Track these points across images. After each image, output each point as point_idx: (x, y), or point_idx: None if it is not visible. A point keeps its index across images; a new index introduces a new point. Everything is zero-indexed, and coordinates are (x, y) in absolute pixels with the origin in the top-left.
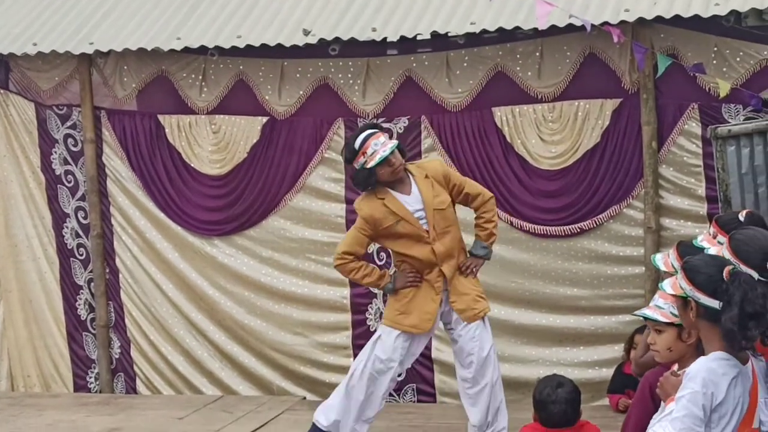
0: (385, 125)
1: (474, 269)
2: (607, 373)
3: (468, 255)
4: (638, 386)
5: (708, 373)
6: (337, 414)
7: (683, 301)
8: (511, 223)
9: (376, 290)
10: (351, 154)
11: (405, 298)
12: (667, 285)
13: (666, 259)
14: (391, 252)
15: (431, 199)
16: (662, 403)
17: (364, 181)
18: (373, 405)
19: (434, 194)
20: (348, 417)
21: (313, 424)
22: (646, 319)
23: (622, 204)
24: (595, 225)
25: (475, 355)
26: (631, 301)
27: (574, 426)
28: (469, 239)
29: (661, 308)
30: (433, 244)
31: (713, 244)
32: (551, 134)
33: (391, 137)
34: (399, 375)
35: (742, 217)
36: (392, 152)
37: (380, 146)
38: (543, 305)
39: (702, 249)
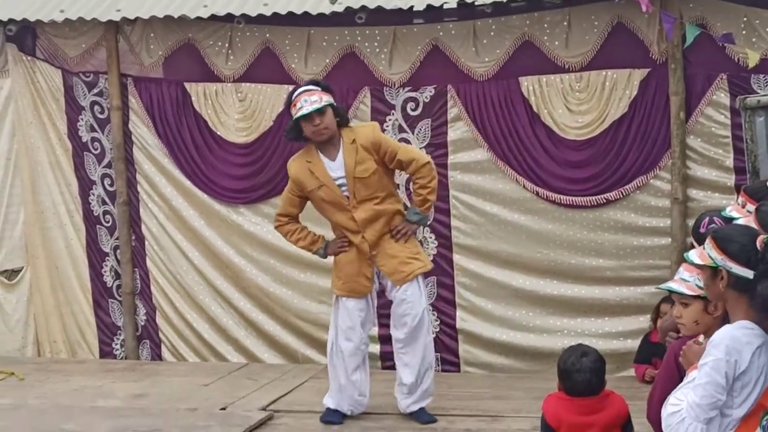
0: (410, 94)
1: (405, 234)
2: (632, 344)
3: (404, 219)
4: (664, 357)
5: (732, 341)
6: (333, 393)
7: (712, 272)
8: (537, 194)
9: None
10: (287, 104)
11: (340, 264)
12: (694, 255)
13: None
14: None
15: (353, 167)
16: (687, 372)
17: (290, 131)
18: (356, 378)
19: (357, 161)
20: (341, 394)
21: (327, 408)
22: (671, 292)
23: (649, 175)
24: (621, 196)
25: (408, 316)
26: (657, 272)
27: (598, 395)
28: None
29: (686, 281)
30: (353, 211)
31: (743, 213)
32: (578, 104)
33: (333, 95)
34: (364, 343)
35: None
36: (317, 112)
37: (308, 103)
38: (568, 276)
39: (732, 219)
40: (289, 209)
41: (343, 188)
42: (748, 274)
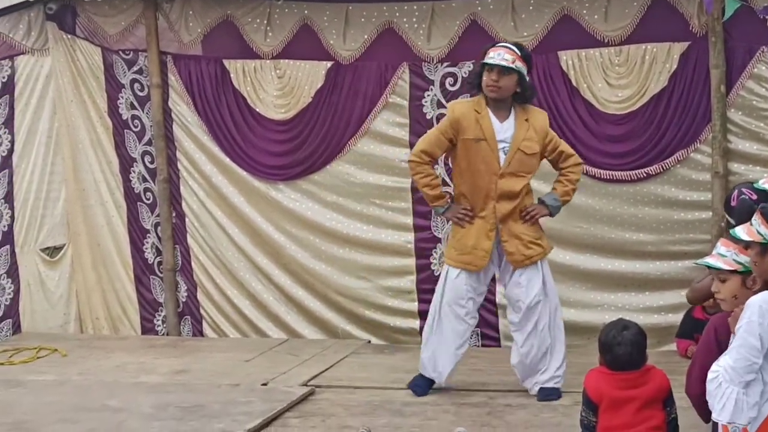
0: (449, 69)
1: (535, 215)
2: (673, 318)
3: (537, 202)
4: (704, 331)
5: (765, 303)
6: (428, 360)
7: (761, 248)
8: None
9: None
10: (483, 50)
11: (459, 234)
12: (741, 232)
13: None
14: (454, 177)
15: (520, 138)
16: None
17: (472, 76)
18: (456, 347)
19: (525, 136)
20: (436, 362)
21: (419, 374)
22: (709, 268)
23: (689, 148)
24: (661, 170)
25: (522, 301)
26: (698, 246)
27: (640, 369)
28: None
29: (723, 256)
30: (500, 178)
31: None
32: (618, 78)
33: (529, 70)
34: (470, 315)
35: None
36: (501, 68)
37: (499, 57)
38: (609, 250)
39: (765, 191)
40: (434, 149)
41: (501, 152)
42: None
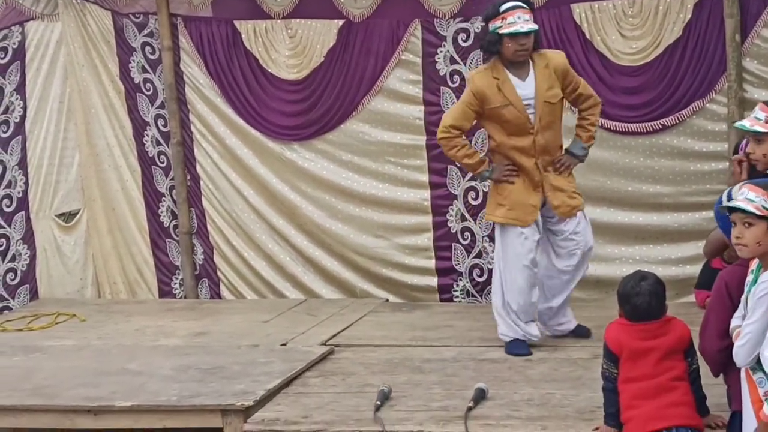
0: (461, 25)
1: (568, 166)
2: (691, 269)
3: (565, 153)
4: (714, 285)
5: None
6: (506, 324)
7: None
8: None
9: (471, 174)
10: (492, 14)
11: (504, 191)
12: (749, 204)
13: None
14: (488, 140)
15: (544, 91)
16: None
17: (488, 45)
18: (531, 293)
19: (548, 86)
20: (516, 322)
21: (510, 340)
22: (739, 210)
23: (704, 99)
24: (677, 121)
25: (579, 248)
26: (715, 197)
27: (660, 320)
28: None
29: (752, 201)
30: (535, 135)
31: (765, 128)
32: (632, 29)
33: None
34: (533, 267)
35: None
36: (528, 33)
37: (521, 22)
38: (625, 203)
39: (738, 144)
40: (463, 123)
41: (529, 110)
42: None
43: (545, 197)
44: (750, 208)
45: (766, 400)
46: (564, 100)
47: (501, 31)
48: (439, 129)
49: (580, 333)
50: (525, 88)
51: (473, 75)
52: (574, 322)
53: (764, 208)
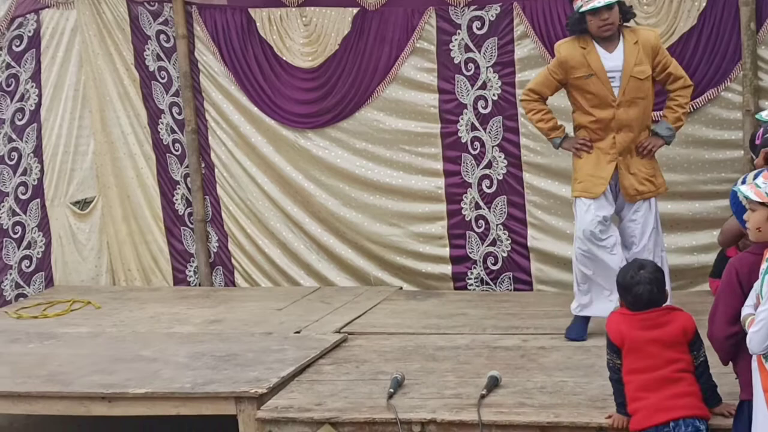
0: (476, 13)
1: (651, 148)
2: (706, 258)
3: (650, 134)
4: (724, 272)
5: None
6: (583, 300)
7: None
8: None
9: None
10: None
11: (579, 164)
12: (748, 191)
13: (756, 189)
14: (573, 113)
15: (631, 65)
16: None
17: (573, 24)
18: (606, 273)
19: (636, 61)
20: (594, 300)
21: (575, 316)
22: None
23: (719, 87)
24: (692, 109)
25: (636, 237)
26: (729, 186)
27: (661, 308)
28: None
29: (758, 187)
30: (617, 108)
31: None
32: (646, 17)
33: None
34: (604, 240)
35: None
36: (607, 7)
37: None
38: None
39: (755, 133)
40: (543, 89)
41: (614, 83)
42: None
43: (618, 174)
44: (749, 193)
45: None
46: (654, 79)
47: (582, 9)
48: (522, 92)
49: None
50: (612, 60)
51: (559, 44)
52: None
53: (767, 194)
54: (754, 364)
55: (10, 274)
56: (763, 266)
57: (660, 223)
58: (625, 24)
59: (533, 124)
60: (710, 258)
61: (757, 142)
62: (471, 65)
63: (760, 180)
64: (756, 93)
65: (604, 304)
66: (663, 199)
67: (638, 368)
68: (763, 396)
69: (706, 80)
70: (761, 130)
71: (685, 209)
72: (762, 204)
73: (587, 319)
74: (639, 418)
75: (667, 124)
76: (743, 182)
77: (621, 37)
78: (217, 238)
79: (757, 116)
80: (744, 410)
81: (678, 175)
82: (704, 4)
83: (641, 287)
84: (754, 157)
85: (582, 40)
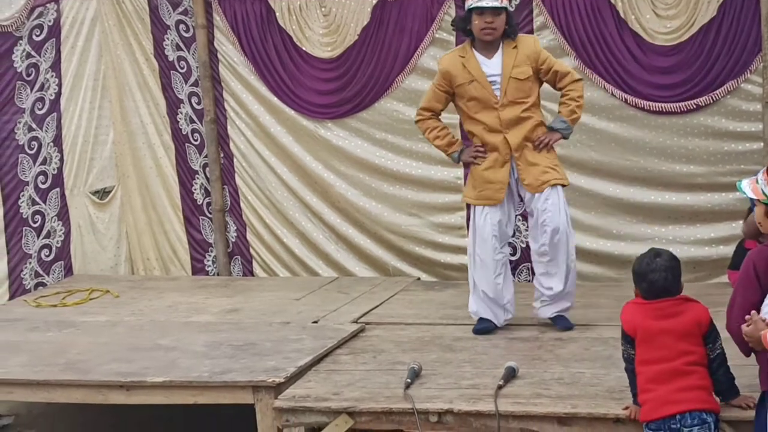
0: (495, 3)
1: (548, 142)
2: (725, 250)
3: (547, 130)
4: (742, 266)
5: None
6: (476, 305)
7: (767, 208)
8: (626, 101)
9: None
10: None
11: (475, 172)
12: (746, 186)
13: (754, 185)
14: (462, 123)
15: (510, 67)
16: None
17: (459, 22)
18: (497, 288)
19: (515, 63)
20: (485, 303)
21: (478, 318)
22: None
23: (739, 79)
24: (711, 101)
25: (548, 226)
26: (749, 178)
27: (676, 298)
28: None
29: (758, 183)
30: (500, 110)
31: None
32: (666, 9)
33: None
34: (502, 250)
35: None
36: (493, 10)
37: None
38: (659, 183)
39: None
40: (433, 104)
41: (495, 86)
42: None
43: (519, 174)
44: (747, 190)
45: None
46: (538, 79)
47: (470, 6)
48: (416, 112)
49: (560, 325)
50: (490, 66)
51: (441, 58)
52: (557, 311)
53: (763, 192)
54: None
55: (30, 263)
56: None
57: (569, 219)
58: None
59: (430, 142)
60: (729, 250)
61: None
62: None
63: (761, 176)
64: None
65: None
66: (682, 190)
67: (650, 359)
68: None
69: (725, 72)
70: None
71: (704, 201)
72: (759, 200)
73: (486, 321)
74: (647, 409)
75: (561, 118)
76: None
77: (501, 45)
78: (235, 227)
79: None
80: (766, 400)
81: (697, 166)
82: None
83: (657, 274)
84: None
85: (463, 50)
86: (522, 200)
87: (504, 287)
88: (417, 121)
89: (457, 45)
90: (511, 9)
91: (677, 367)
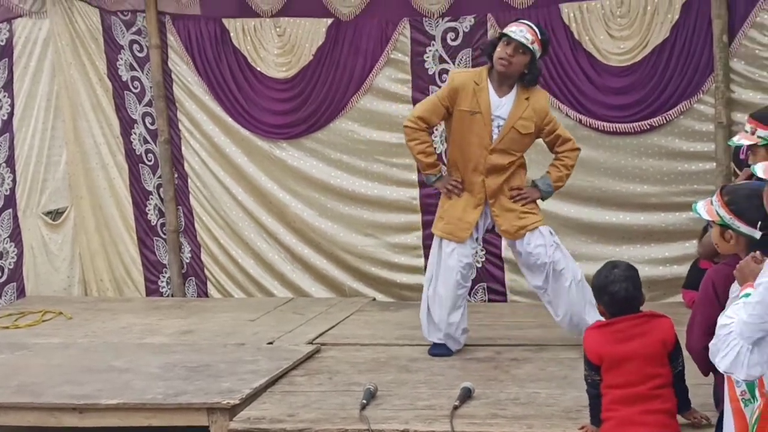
0: (450, 24)
1: (526, 199)
2: (679, 269)
3: (529, 185)
4: (701, 285)
5: None
6: (429, 329)
7: (721, 229)
8: (580, 121)
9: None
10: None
11: (445, 204)
12: (701, 208)
13: (709, 207)
14: (448, 145)
15: (516, 117)
16: (729, 297)
17: (487, 46)
18: (452, 312)
19: (522, 115)
20: (438, 329)
21: (433, 342)
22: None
23: (692, 99)
24: (665, 121)
25: (541, 265)
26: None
27: (639, 314)
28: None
29: (713, 204)
30: (490, 153)
31: (752, 140)
32: (620, 30)
33: (543, 56)
34: (465, 284)
35: None
36: (519, 44)
37: (520, 33)
38: (613, 203)
39: (739, 147)
40: (431, 116)
41: (495, 128)
42: (755, 234)
43: (494, 220)
44: (702, 211)
45: (742, 399)
46: (535, 137)
47: (500, 32)
48: (407, 117)
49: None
50: (499, 106)
51: (454, 72)
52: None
53: (717, 214)
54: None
55: None
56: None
57: (563, 246)
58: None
59: (413, 153)
60: (683, 269)
61: (742, 156)
62: (445, 76)
63: (715, 198)
64: (728, 105)
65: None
66: (635, 210)
67: (616, 384)
68: (730, 405)
69: (678, 92)
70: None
71: (658, 221)
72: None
73: (442, 345)
74: (607, 427)
75: (548, 181)
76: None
77: (516, 90)
78: (190, 248)
79: (729, 143)
80: (723, 421)
81: (651, 186)
82: (677, 17)
83: (617, 285)
84: (737, 171)
85: (478, 75)
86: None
87: (459, 322)
88: (407, 127)
89: (412, 67)
90: (538, 55)
91: (643, 392)
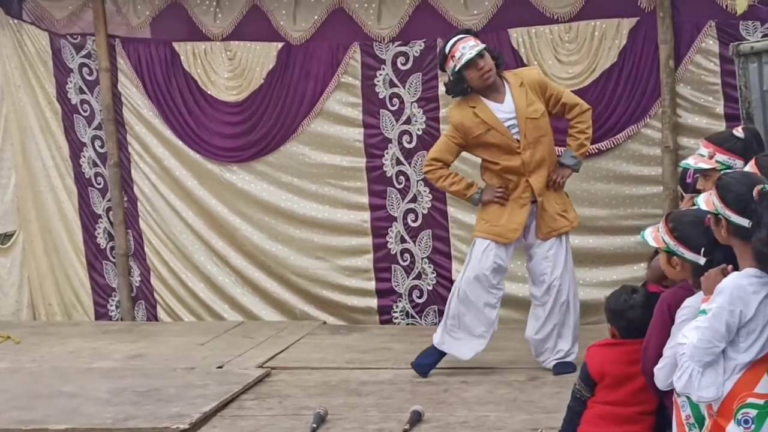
0: (400, 48)
1: (561, 180)
2: None
3: (558, 166)
4: (656, 307)
5: (737, 289)
6: (446, 338)
7: (715, 218)
8: None
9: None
10: (442, 59)
11: (490, 208)
12: (701, 201)
13: (656, 234)
14: (482, 170)
15: (524, 108)
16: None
17: (454, 86)
18: (479, 319)
19: (528, 102)
20: (460, 339)
21: (433, 347)
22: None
23: (639, 123)
24: (612, 145)
25: (547, 275)
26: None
27: None
28: None
29: (659, 231)
30: (522, 153)
31: (710, 163)
32: (568, 55)
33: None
34: (498, 286)
35: (738, 132)
36: (480, 55)
37: (468, 49)
38: None
39: (686, 170)
40: (446, 155)
41: (513, 130)
42: (744, 222)
43: (535, 219)
44: (648, 238)
45: (687, 423)
46: (549, 113)
47: (458, 67)
48: (423, 162)
49: (559, 371)
50: (504, 109)
51: (450, 110)
52: (553, 361)
53: (663, 241)
54: (674, 398)
55: None
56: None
57: (571, 262)
58: (504, 71)
59: (446, 190)
60: None
61: (688, 180)
62: (396, 100)
63: (661, 225)
64: (675, 129)
65: (468, 345)
66: (584, 233)
67: (610, 401)
68: (677, 430)
69: (626, 117)
70: (690, 173)
71: (606, 244)
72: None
73: (442, 355)
74: None
75: (571, 153)
76: None
77: (505, 83)
78: (139, 272)
79: (681, 165)
80: None
81: (599, 210)
82: (624, 42)
83: (635, 311)
84: (683, 194)
85: (470, 99)
86: (525, 241)
87: (493, 318)
88: (427, 172)
89: (362, 90)
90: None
91: (630, 414)
